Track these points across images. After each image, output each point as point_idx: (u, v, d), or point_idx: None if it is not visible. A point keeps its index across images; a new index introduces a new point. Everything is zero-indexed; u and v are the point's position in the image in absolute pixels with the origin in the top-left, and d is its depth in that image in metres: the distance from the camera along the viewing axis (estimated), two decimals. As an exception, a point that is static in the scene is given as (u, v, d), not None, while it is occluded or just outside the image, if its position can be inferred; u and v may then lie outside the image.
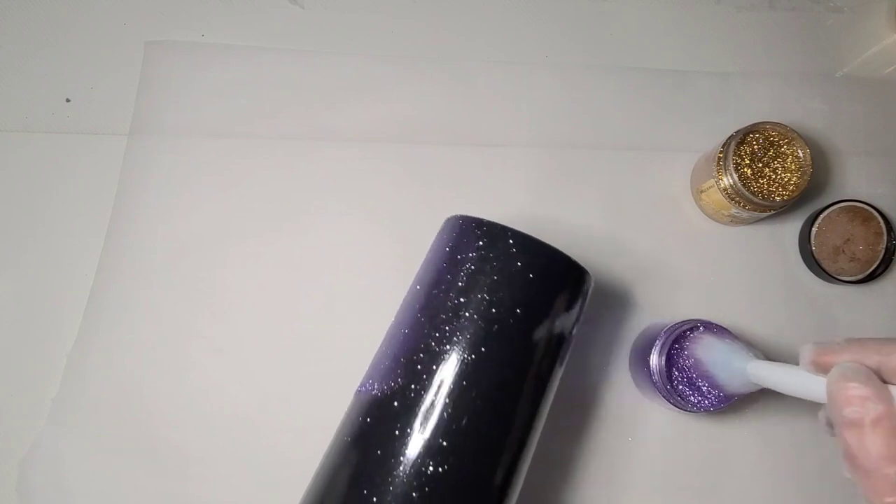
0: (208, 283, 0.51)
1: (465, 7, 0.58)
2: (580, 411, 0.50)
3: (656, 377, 0.45)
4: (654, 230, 0.54)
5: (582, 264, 0.40)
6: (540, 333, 0.38)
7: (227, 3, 0.57)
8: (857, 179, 0.56)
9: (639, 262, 0.53)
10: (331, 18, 0.57)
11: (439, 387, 0.35)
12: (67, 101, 0.54)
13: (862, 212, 0.52)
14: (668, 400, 0.45)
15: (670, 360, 0.46)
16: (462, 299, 0.38)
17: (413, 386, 0.36)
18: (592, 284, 0.42)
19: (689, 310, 0.52)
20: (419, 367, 0.36)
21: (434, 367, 0.36)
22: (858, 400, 0.27)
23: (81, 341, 0.49)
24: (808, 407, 0.51)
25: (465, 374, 0.36)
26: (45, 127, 0.53)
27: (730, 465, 0.50)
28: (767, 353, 0.51)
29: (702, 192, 0.52)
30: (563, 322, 0.39)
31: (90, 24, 0.56)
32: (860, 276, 0.51)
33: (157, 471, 0.48)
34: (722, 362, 0.41)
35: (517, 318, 0.37)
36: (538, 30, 0.58)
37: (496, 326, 0.37)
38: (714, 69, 0.57)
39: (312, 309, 0.51)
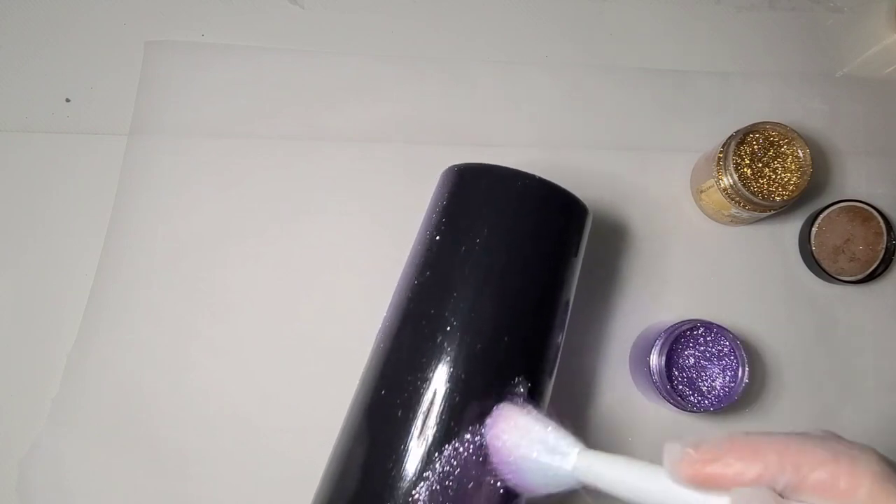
0: (208, 283, 0.51)
1: (465, 7, 0.58)
2: (580, 411, 0.50)
3: (656, 377, 0.45)
4: (654, 230, 0.54)
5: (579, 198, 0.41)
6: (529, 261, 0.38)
7: (227, 3, 0.57)
8: (857, 179, 0.56)
9: (639, 261, 0.53)
10: (331, 18, 0.57)
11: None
12: (67, 101, 0.54)
13: (862, 212, 0.52)
14: (668, 400, 0.45)
15: (670, 360, 0.47)
16: (445, 238, 0.39)
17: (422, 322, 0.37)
18: (589, 215, 0.42)
19: (689, 310, 0.52)
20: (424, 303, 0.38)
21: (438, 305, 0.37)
22: None
23: (81, 341, 0.49)
24: (809, 407, 0.51)
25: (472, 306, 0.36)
26: (45, 127, 0.53)
27: (730, 465, 0.50)
28: (767, 353, 0.52)
29: (702, 192, 0.52)
30: (549, 245, 0.39)
31: (90, 24, 0.56)
32: (860, 276, 0.51)
33: (157, 471, 0.48)
34: (533, 459, 0.29)
35: (507, 252, 0.38)
36: (538, 30, 0.58)
37: (487, 262, 0.37)
38: (714, 69, 0.57)
39: (312, 309, 0.51)
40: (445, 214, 0.40)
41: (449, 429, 0.33)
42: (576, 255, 0.41)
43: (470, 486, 0.32)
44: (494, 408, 0.32)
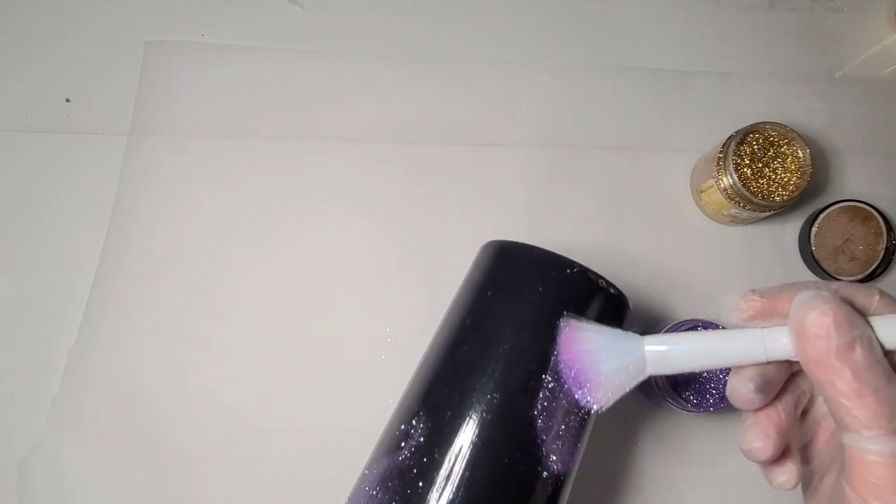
0: (208, 283, 0.51)
1: (465, 7, 0.58)
2: (580, 411, 0.50)
3: (656, 377, 0.45)
4: (654, 230, 0.54)
5: (596, 273, 0.38)
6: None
7: (227, 3, 0.57)
8: (857, 179, 0.56)
9: (638, 261, 0.53)
10: (331, 18, 0.57)
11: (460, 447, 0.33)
12: (67, 101, 0.54)
13: (862, 212, 0.52)
14: (668, 400, 0.45)
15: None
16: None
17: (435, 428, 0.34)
18: (629, 311, 0.39)
19: (689, 310, 0.52)
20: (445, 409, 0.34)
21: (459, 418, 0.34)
22: (843, 325, 0.23)
23: (81, 341, 0.49)
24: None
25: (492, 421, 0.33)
26: (45, 127, 0.53)
27: (730, 465, 0.50)
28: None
29: (702, 192, 0.52)
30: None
31: (90, 24, 0.56)
32: (860, 276, 0.51)
33: (158, 471, 0.48)
34: (608, 349, 0.31)
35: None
36: (538, 30, 0.58)
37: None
38: (714, 69, 0.57)
39: (312, 309, 0.51)
40: (480, 297, 0.38)
41: None
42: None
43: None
44: (560, 331, 0.33)
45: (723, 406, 0.45)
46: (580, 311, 0.36)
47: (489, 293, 0.38)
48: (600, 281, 0.37)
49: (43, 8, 0.56)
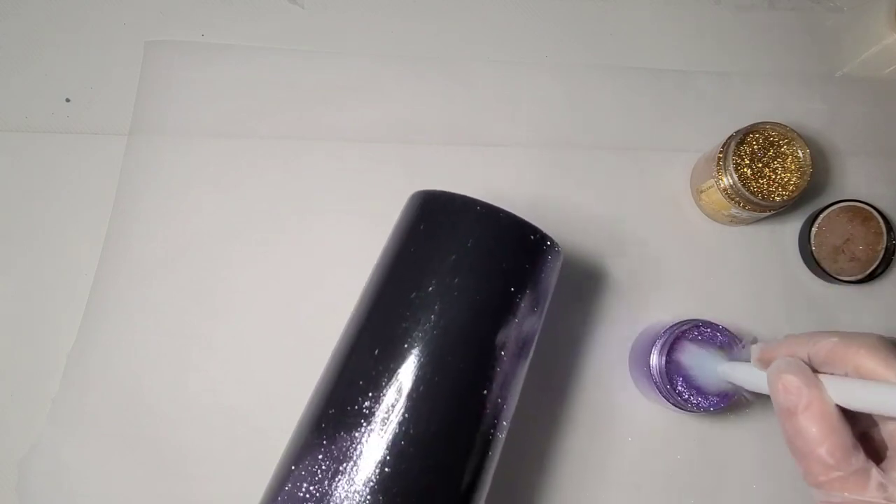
0: (208, 283, 0.51)
1: (465, 7, 0.58)
2: (580, 411, 0.50)
3: (656, 377, 0.45)
4: (654, 230, 0.54)
5: (550, 235, 0.39)
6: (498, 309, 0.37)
7: (227, 3, 0.57)
8: (857, 179, 0.56)
9: (638, 261, 0.53)
10: (331, 18, 0.57)
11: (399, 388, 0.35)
12: (67, 101, 0.54)
13: (862, 212, 0.52)
14: (668, 400, 0.45)
15: (670, 360, 0.46)
16: (415, 284, 0.37)
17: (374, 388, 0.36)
18: (561, 258, 0.40)
19: (689, 310, 0.52)
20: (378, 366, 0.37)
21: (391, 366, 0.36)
22: (794, 388, 0.29)
23: (81, 341, 0.49)
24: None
25: (426, 370, 0.35)
26: (45, 127, 0.53)
27: (730, 465, 0.50)
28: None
29: (702, 192, 0.52)
30: (525, 299, 0.38)
31: (90, 24, 0.56)
32: (860, 276, 0.51)
33: (158, 470, 0.48)
34: (699, 366, 0.44)
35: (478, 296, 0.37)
36: (538, 30, 0.58)
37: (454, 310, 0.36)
38: (714, 69, 0.57)
39: (312, 309, 0.51)
40: (401, 246, 0.40)
41: None
42: (535, 296, 0.38)
43: None
44: (695, 330, 0.46)
45: (723, 406, 0.45)
46: (512, 255, 0.38)
47: (416, 237, 0.39)
48: (526, 225, 0.39)
49: (43, 8, 0.56)
